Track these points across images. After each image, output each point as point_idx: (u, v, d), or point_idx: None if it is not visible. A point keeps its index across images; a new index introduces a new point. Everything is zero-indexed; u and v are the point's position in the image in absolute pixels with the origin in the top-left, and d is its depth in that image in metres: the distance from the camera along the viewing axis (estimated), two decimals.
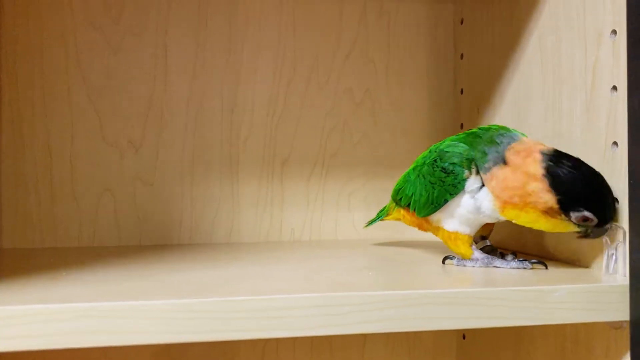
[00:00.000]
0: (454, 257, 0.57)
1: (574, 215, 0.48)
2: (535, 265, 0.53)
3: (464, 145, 0.54)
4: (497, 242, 0.67)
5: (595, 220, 0.48)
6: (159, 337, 0.40)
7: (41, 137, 0.74)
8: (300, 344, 0.78)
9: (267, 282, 0.48)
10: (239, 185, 0.78)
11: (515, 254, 0.56)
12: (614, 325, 0.49)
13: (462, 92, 0.80)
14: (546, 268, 0.53)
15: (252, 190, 0.78)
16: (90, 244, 0.74)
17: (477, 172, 0.53)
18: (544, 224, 0.50)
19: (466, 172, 0.53)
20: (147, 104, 0.76)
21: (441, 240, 0.58)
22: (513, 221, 0.52)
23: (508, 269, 0.53)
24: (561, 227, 0.50)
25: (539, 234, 0.60)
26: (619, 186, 0.48)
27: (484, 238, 0.61)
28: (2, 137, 0.73)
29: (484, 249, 0.59)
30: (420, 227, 0.61)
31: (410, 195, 0.60)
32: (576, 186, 0.48)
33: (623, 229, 0.48)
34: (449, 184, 0.54)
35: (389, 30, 0.82)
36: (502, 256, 0.56)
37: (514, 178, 0.50)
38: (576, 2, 0.54)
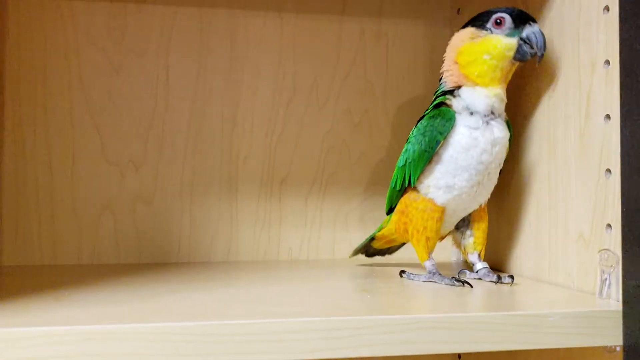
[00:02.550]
0: (406, 271, 0.62)
1: (488, 24, 0.58)
2: (460, 284, 0.56)
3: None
4: (494, 264, 0.68)
5: (507, 16, 0.57)
6: (159, 359, 0.41)
7: (43, 155, 0.74)
8: None
9: (266, 304, 0.48)
10: (237, 204, 0.79)
11: (487, 267, 0.61)
12: (608, 349, 0.49)
13: None
14: (471, 287, 0.56)
15: (251, 210, 0.79)
16: (90, 261, 0.75)
17: (454, 96, 0.59)
18: (484, 49, 0.57)
19: (447, 101, 0.59)
20: (148, 124, 0.77)
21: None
22: (475, 73, 0.58)
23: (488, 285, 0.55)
24: (492, 45, 0.57)
25: (535, 254, 0.61)
26: (613, 213, 0.49)
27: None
28: (4, 155, 0.74)
29: None
30: (402, 228, 0.63)
31: (404, 164, 0.61)
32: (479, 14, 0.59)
33: (617, 254, 0.49)
34: (439, 124, 0.58)
35: (387, 52, 0.83)
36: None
37: (447, 61, 0.61)
38: (570, 33, 0.56)
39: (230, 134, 0.79)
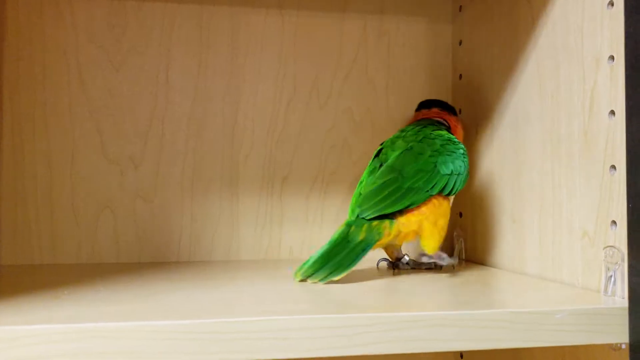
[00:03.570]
0: (386, 259, 0.67)
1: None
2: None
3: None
4: (497, 262, 0.68)
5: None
6: (161, 357, 0.40)
7: (42, 153, 0.74)
8: None
9: (270, 302, 0.48)
10: (238, 202, 0.79)
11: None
12: (613, 347, 0.49)
13: (460, 112, 0.81)
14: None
15: (252, 208, 0.79)
16: (89, 260, 0.74)
17: None
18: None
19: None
20: (148, 122, 0.76)
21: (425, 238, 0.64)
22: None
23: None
24: None
25: (539, 252, 0.61)
26: (618, 209, 0.49)
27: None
28: (3, 153, 0.73)
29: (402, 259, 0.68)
30: (430, 224, 0.63)
31: (449, 173, 0.64)
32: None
33: (622, 251, 0.48)
34: (466, 157, 0.66)
35: (389, 50, 0.83)
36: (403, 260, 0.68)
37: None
38: (574, 28, 0.55)
39: (231, 132, 0.79)
